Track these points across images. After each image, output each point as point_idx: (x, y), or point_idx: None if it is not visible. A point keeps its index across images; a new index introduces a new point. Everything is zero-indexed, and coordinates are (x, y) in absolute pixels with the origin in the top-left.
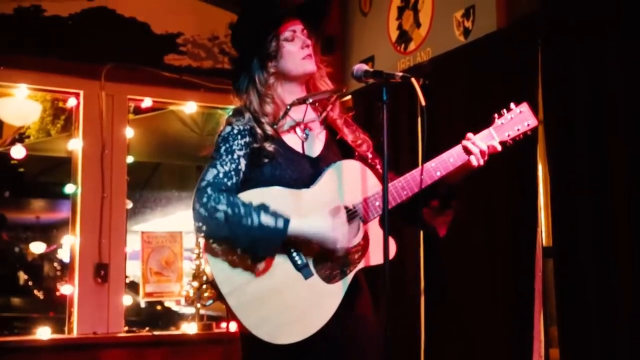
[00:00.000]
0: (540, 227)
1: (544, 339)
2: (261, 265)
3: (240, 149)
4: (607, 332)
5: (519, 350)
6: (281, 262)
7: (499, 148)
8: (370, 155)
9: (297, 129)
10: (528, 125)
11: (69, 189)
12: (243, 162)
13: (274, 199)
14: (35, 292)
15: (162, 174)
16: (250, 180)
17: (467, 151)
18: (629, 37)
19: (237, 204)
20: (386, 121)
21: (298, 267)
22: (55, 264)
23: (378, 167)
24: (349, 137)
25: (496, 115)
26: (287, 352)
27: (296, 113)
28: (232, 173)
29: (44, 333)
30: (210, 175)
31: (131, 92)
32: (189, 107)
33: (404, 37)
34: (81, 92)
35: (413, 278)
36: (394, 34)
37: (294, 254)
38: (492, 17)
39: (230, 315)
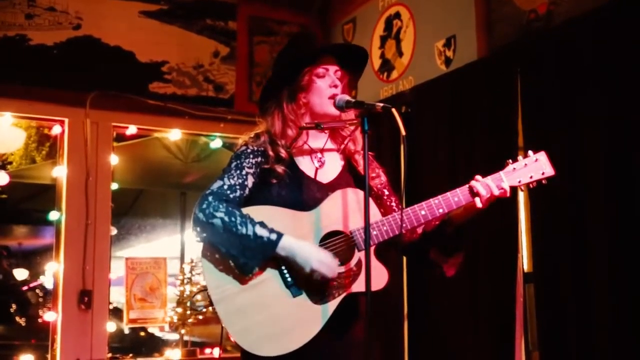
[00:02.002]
0: (521, 252)
1: None
2: (252, 277)
3: (250, 167)
4: (588, 356)
5: None
6: (271, 277)
7: (508, 192)
8: (386, 192)
9: (314, 156)
10: (543, 174)
11: (53, 215)
12: (251, 179)
13: (274, 217)
14: (17, 319)
15: (145, 201)
16: (258, 198)
17: (473, 192)
18: (604, 64)
19: (234, 213)
20: (367, 149)
21: (287, 285)
22: (38, 291)
23: (393, 204)
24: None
25: (510, 161)
26: None
27: (315, 141)
28: (237, 187)
29: None
30: (215, 185)
31: (116, 119)
32: (174, 135)
33: (386, 66)
34: (66, 120)
35: (396, 304)
36: (377, 63)
37: (285, 272)
38: (472, 46)
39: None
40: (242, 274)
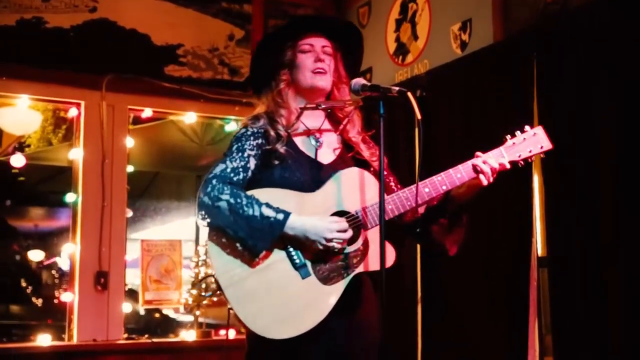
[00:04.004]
0: (535, 237)
1: (538, 347)
2: (260, 261)
3: (252, 149)
4: (601, 340)
5: (514, 358)
6: (280, 260)
7: (508, 166)
8: (385, 173)
9: (312, 137)
10: (542, 147)
11: (69, 197)
12: (253, 161)
13: (278, 199)
14: (34, 299)
15: (160, 183)
16: (260, 180)
17: (476, 169)
18: (622, 48)
19: (240, 195)
20: (383, 133)
21: (296, 266)
22: (54, 272)
23: (392, 184)
24: (365, 153)
25: (508, 136)
26: (285, 353)
27: (312, 121)
28: (240, 169)
29: (44, 340)
30: (218, 169)
31: (132, 102)
32: (189, 118)
33: (401, 49)
34: (82, 102)
35: (410, 287)
36: (392, 46)
37: (293, 253)
38: (488, 30)
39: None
40: (251, 256)
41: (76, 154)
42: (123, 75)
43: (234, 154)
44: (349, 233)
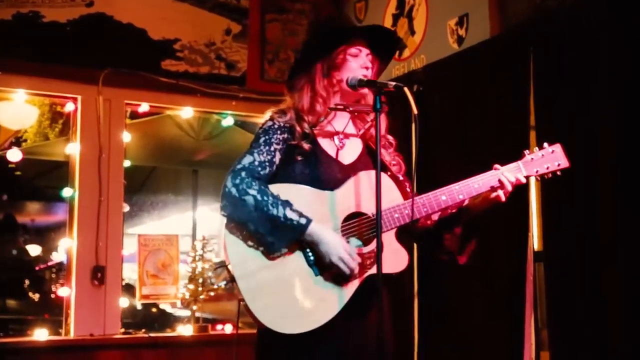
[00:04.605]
0: (531, 231)
1: (534, 342)
2: (277, 256)
3: (278, 143)
4: (597, 335)
5: (510, 353)
6: (295, 256)
7: (524, 181)
8: (401, 178)
9: (335, 137)
10: (559, 165)
11: (66, 192)
12: (278, 156)
13: (298, 195)
14: (31, 294)
15: (157, 178)
16: (281, 175)
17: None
18: (620, 43)
19: (266, 192)
20: (379, 128)
21: (310, 264)
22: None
23: (408, 189)
24: (386, 157)
25: (526, 151)
26: (294, 349)
27: (337, 123)
28: (267, 164)
29: (41, 334)
30: (246, 160)
31: (128, 97)
32: (186, 112)
33: None
34: (79, 97)
35: (406, 281)
36: None
37: (308, 251)
38: (485, 25)
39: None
40: (268, 253)
41: (73, 149)
42: (120, 70)
43: (262, 147)
44: (356, 263)
